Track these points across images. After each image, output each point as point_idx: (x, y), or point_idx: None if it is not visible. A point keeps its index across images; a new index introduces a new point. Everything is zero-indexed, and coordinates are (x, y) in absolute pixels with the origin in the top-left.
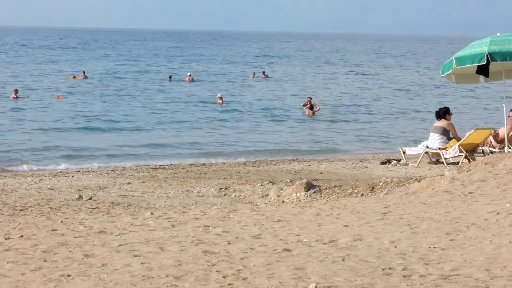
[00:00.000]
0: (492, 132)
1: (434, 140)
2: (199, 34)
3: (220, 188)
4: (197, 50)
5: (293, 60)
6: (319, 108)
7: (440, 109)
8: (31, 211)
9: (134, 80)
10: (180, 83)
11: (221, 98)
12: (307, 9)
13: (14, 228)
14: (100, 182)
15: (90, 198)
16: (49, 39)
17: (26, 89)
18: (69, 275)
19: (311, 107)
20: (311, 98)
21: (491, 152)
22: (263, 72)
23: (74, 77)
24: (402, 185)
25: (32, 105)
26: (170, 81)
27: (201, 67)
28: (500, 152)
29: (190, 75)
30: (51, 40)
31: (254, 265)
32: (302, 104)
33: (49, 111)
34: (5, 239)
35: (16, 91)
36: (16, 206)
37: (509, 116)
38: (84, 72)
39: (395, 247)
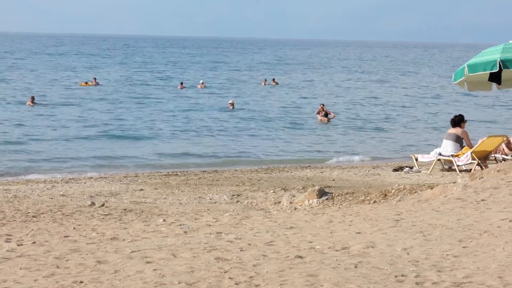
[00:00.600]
0: (505, 139)
1: (447, 147)
2: (207, 41)
3: (233, 195)
4: (209, 57)
5: (306, 67)
6: (334, 116)
7: (456, 116)
8: (44, 217)
9: (147, 86)
10: (193, 90)
11: (232, 104)
12: (316, 16)
13: (27, 234)
14: (113, 188)
15: (103, 205)
16: (65, 46)
17: (40, 95)
18: (81, 282)
19: (326, 114)
20: (323, 105)
21: (504, 160)
22: (273, 80)
23: (86, 83)
24: (415, 192)
25: (45, 112)
26: (181, 88)
27: (214, 74)
28: None
29: (202, 82)
30: (67, 47)
31: (267, 272)
32: (316, 112)
33: (62, 118)
34: (18, 245)
35: (32, 98)
36: (28, 213)
37: None
38: (95, 79)
39: (408, 254)
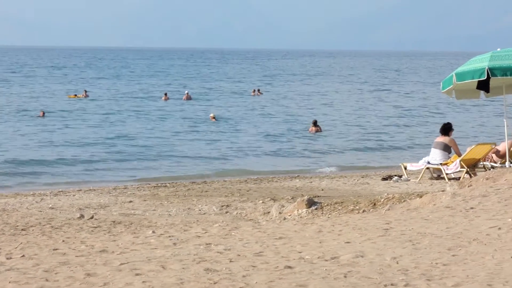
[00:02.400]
0: (493, 147)
1: (435, 156)
2: (194, 51)
3: (222, 206)
4: (200, 68)
5: (294, 77)
6: (321, 131)
7: (445, 124)
8: (33, 230)
9: (133, 98)
10: (177, 101)
11: (213, 117)
12: (302, 26)
13: (16, 247)
14: (102, 200)
15: (92, 217)
16: (57, 58)
17: (48, 111)
18: None
19: (315, 123)
20: (316, 121)
21: (492, 167)
22: (258, 90)
23: (75, 96)
24: (404, 201)
25: (53, 126)
26: (165, 99)
27: (201, 85)
28: (501, 167)
29: (187, 93)
30: (58, 60)
31: (256, 282)
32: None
33: (56, 131)
34: (7, 259)
35: (43, 112)
36: (17, 226)
37: None
38: (85, 91)
39: (397, 263)
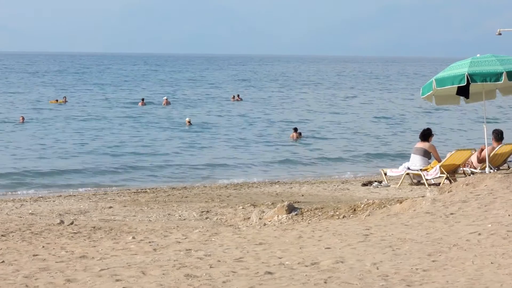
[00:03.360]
0: (473, 153)
1: (415, 162)
2: (177, 57)
3: (202, 212)
4: (182, 74)
5: (276, 83)
6: (302, 137)
7: (424, 130)
8: (13, 236)
9: (112, 104)
10: (155, 107)
11: (189, 121)
12: (285, 32)
13: None
14: (82, 206)
15: (72, 223)
16: (38, 64)
17: (29, 118)
18: None
19: (296, 129)
20: (297, 128)
21: (472, 173)
22: (238, 95)
23: (57, 101)
24: (384, 206)
25: (32, 132)
26: (142, 105)
27: (182, 90)
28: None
29: (166, 99)
30: (40, 65)
31: None
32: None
33: (32, 136)
34: None
35: (23, 118)
36: None
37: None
38: (65, 97)
39: (377, 269)
